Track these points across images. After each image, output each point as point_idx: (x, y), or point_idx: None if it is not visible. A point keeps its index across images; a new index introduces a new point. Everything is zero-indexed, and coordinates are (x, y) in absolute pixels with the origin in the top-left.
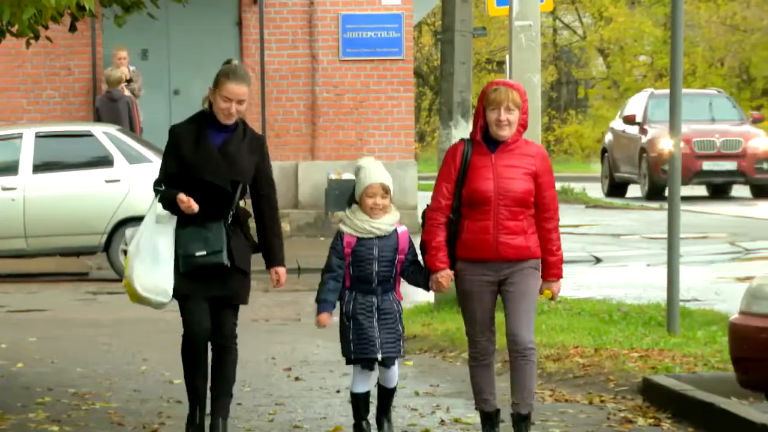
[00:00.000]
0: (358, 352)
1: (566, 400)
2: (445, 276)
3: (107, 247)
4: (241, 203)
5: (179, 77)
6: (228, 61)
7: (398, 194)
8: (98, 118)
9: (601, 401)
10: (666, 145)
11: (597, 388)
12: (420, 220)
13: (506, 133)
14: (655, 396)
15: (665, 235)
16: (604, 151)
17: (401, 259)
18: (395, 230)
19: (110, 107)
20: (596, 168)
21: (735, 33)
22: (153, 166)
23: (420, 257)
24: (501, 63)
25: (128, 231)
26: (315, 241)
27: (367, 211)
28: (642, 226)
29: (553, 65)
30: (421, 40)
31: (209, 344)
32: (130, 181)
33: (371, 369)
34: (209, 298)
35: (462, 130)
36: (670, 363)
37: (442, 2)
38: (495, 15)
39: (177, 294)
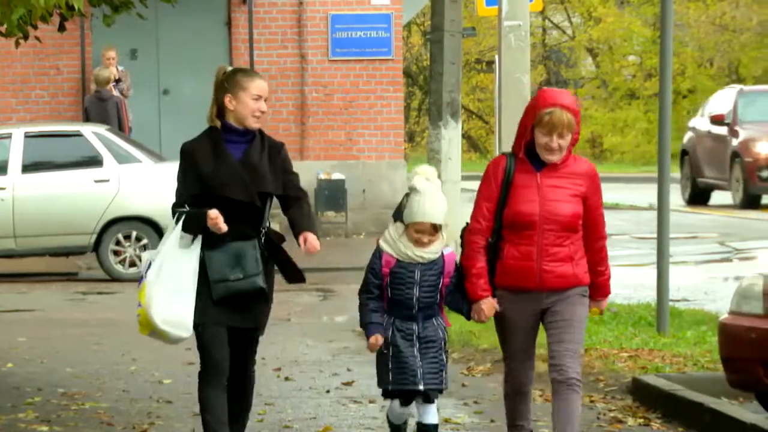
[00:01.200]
0: (396, 382)
1: None
2: (488, 304)
3: (97, 247)
4: (273, 225)
5: (168, 77)
6: (223, 72)
7: (389, 194)
8: (87, 118)
9: (591, 401)
10: (764, 148)
11: (587, 388)
12: (459, 240)
13: (556, 158)
14: (645, 396)
15: (655, 235)
16: (684, 153)
17: (446, 282)
18: (441, 252)
19: (99, 107)
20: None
21: (724, 33)
22: (142, 166)
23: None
24: (490, 63)
25: (145, 254)
26: None
27: (412, 241)
28: (632, 226)
29: (543, 65)
30: (411, 40)
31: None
32: (120, 180)
33: (409, 404)
34: (230, 328)
35: (451, 129)
36: (660, 363)
37: (431, 2)
38: (484, 15)
39: (197, 323)
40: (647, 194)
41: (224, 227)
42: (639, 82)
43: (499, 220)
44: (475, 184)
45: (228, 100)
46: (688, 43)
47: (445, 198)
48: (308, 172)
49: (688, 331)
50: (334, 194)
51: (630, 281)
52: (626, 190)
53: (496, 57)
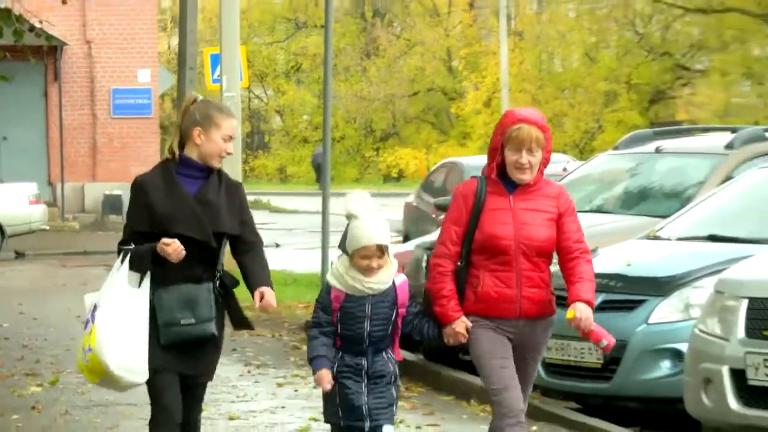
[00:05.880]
0: (345, 418)
1: (257, 335)
2: (462, 325)
3: None
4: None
5: (6, 129)
6: (194, 100)
7: None
8: None
9: (280, 335)
10: None
11: (277, 327)
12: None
13: (527, 177)
14: None
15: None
16: None
17: (402, 313)
18: (392, 282)
19: None
20: (276, 185)
21: (362, 101)
22: None
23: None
24: None
25: (88, 297)
26: (95, 234)
27: (361, 270)
28: (308, 223)
29: (249, 121)
30: (164, 105)
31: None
32: None
33: None
34: (181, 375)
35: None
36: None
37: (177, 81)
38: (211, 89)
39: (149, 368)
40: (316, 203)
41: (183, 252)
42: (309, 132)
43: (468, 245)
44: None
45: (197, 134)
46: (339, 107)
47: (385, 220)
48: (98, 190)
49: None
50: (114, 204)
51: (306, 259)
52: (303, 201)
53: None
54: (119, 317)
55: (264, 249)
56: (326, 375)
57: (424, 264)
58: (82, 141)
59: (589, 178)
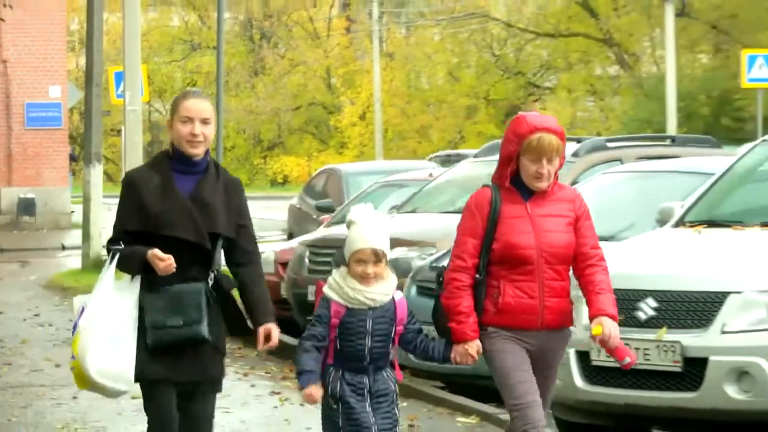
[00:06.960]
0: None
1: None
2: (476, 347)
3: None
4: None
5: None
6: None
7: (60, 206)
8: None
9: None
10: None
11: None
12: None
13: (545, 185)
14: None
15: None
16: None
17: (400, 330)
18: (392, 298)
19: None
20: None
21: (251, 115)
22: None
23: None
24: (119, 130)
25: (77, 300)
26: (11, 233)
27: (357, 279)
28: None
29: (149, 132)
30: (73, 118)
31: None
32: None
33: None
34: (179, 383)
35: (97, 168)
36: None
37: (84, 96)
38: (115, 103)
39: (142, 377)
40: None
41: (173, 269)
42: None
43: (485, 256)
44: (110, 201)
45: (168, 124)
46: (231, 120)
47: (386, 228)
48: (14, 194)
49: None
50: (28, 206)
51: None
52: None
53: (123, 127)
54: (103, 322)
55: (260, 262)
56: (316, 391)
57: (306, 260)
58: None
59: (453, 183)
